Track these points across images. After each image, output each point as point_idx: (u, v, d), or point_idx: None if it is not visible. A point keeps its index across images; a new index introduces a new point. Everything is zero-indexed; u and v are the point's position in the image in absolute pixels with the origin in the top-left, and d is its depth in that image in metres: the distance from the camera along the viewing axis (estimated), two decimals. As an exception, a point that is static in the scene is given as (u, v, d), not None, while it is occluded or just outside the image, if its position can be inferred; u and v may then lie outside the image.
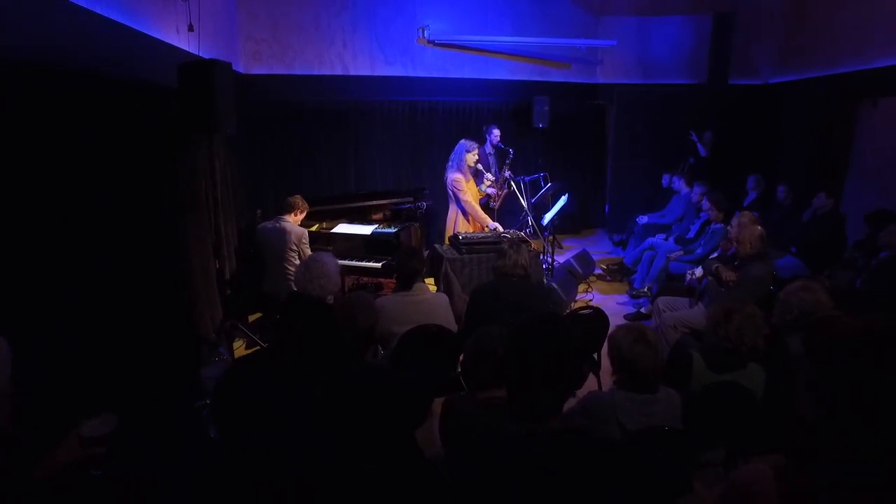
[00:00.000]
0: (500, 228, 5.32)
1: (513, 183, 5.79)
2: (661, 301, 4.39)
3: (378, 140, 7.45)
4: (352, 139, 7.32)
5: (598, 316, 3.38)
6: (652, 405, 2.12)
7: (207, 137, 3.68)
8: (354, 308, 2.01)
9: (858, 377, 1.01)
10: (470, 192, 5.39)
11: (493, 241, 4.78)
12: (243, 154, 6.03)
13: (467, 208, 5.27)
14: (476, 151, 5.31)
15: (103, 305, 2.84)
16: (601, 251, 7.74)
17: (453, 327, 3.18)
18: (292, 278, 4.11)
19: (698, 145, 7.33)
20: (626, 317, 5.20)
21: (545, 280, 5.94)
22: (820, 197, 5.13)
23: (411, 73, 7.36)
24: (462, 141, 5.32)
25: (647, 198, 7.78)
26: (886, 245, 4.01)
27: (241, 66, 6.45)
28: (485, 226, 5.32)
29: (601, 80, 8.48)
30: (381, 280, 5.56)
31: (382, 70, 7.21)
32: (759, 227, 3.92)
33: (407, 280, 3.08)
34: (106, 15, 3.12)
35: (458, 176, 5.24)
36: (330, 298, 2.76)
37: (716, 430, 2.37)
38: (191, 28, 4.25)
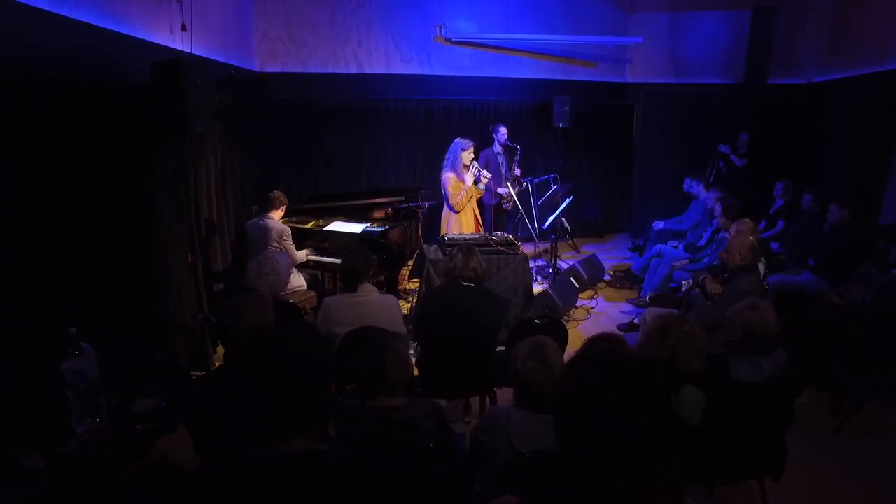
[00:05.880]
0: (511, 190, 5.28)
1: (510, 184, 5.64)
2: (650, 312, 4.14)
3: (393, 139, 7.44)
4: (366, 138, 7.34)
5: (555, 326, 3.22)
6: (548, 427, 1.97)
7: (181, 135, 3.76)
8: (243, 305, 1.98)
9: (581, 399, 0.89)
10: (466, 192, 5.29)
11: (481, 243, 4.66)
12: (257, 151, 6.17)
13: (453, 209, 5.21)
14: (472, 150, 5.20)
15: (72, 296, 2.94)
16: (619, 257, 7.44)
17: (401, 329, 3.12)
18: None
19: (732, 157, 6.90)
20: (618, 327, 4.95)
21: (537, 284, 5.78)
22: (832, 209, 4.69)
23: (428, 72, 7.32)
24: (457, 139, 5.23)
25: (674, 202, 7.38)
26: (899, 261, 3.63)
27: (255, 65, 6.61)
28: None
29: (630, 79, 8.15)
30: (381, 278, 5.55)
31: (398, 68, 7.21)
32: (751, 238, 3.65)
33: (350, 281, 3.04)
34: (88, 21, 3.26)
35: (451, 175, 5.16)
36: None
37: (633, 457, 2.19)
38: (184, 28, 4.36)
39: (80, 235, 3.03)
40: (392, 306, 3.12)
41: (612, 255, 7.47)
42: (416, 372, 3.31)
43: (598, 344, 1.30)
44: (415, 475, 1.94)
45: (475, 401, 3.60)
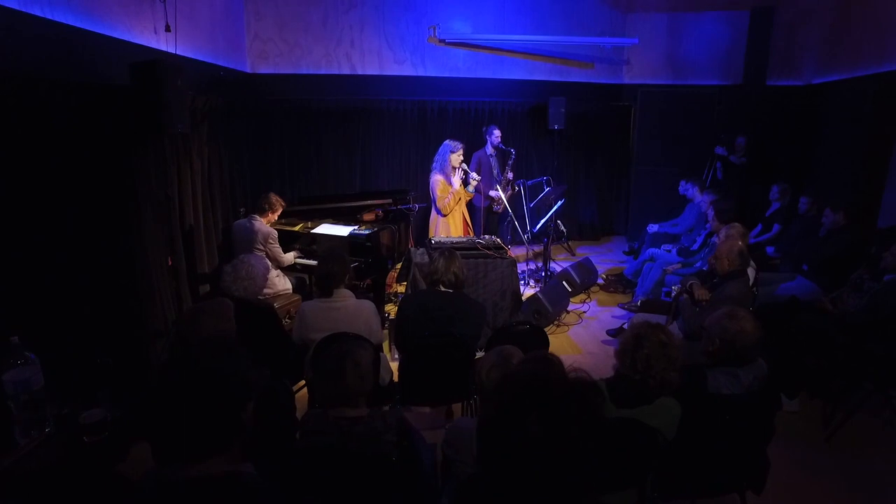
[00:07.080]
0: (501, 194, 5.22)
1: (500, 187, 5.57)
2: (638, 318, 4.07)
3: (386, 140, 7.38)
4: (359, 139, 7.27)
5: (536, 333, 3.15)
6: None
7: (160, 136, 3.71)
8: (200, 312, 1.93)
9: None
10: (454, 195, 5.22)
11: (468, 247, 4.61)
12: (248, 153, 6.12)
13: (441, 211, 5.14)
14: (461, 152, 5.14)
15: (50, 300, 2.90)
16: (614, 260, 7.36)
17: (377, 335, 3.06)
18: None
19: (731, 158, 6.82)
20: (608, 332, 4.87)
21: (528, 288, 5.71)
22: (826, 213, 4.59)
23: (421, 73, 7.26)
24: (446, 141, 5.17)
25: (672, 205, 7.29)
26: (890, 267, 3.52)
27: (247, 66, 6.57)
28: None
29: (627, 80, 8.08)
30: (369, 281, 5.49)
31: (391, 69, 7.15)
32: (740, 243, 3.57)
33: (325, 285, 2.98)
34: (63, 21, 3.22)
35: (440, 177, 5.09)
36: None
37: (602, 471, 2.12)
38: (168, 28, 4.32)
39: (51, 238, 2.99)
40: (367, 311, 3.05)
41: (608, 258, 7.39)
42: (396, 378, 3.25)
43: (526, 367, 1.23)
44: (368, 490, 1.88)
45: (458, 407, 3.54)
